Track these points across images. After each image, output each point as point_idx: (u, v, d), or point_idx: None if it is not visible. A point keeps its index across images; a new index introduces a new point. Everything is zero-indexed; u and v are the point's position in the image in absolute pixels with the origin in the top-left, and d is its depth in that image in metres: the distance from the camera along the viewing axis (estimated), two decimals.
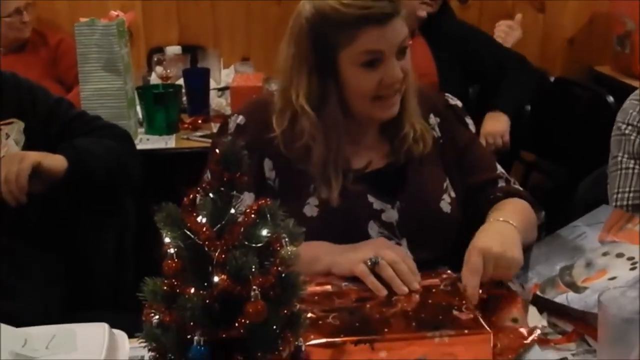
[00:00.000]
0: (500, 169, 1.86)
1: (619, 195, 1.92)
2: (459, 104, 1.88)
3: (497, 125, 3.17)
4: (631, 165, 1.91)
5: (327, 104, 1.68)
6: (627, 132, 1.91)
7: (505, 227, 1.61)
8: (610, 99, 3.27)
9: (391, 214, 1.73)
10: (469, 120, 1.87)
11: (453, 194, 1.78)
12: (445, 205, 1.76)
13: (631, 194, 1.90)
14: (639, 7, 3.80)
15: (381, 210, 1.73)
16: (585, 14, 4.29)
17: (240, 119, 1.77)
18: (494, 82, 3.25)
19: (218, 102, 3.25)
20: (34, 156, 1.89)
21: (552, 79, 3.69)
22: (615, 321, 1.27)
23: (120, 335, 1.47)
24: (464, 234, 1.68)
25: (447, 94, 1.90)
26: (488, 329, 1.38)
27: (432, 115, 1.82)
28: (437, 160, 1.79)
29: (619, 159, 1.93)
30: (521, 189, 1.85)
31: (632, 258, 1.55)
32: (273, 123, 1.72)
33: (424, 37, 3.24)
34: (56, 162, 1.93)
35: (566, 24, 4.30)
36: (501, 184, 1.82)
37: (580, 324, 1.47)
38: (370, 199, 1.72)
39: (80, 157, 1.97)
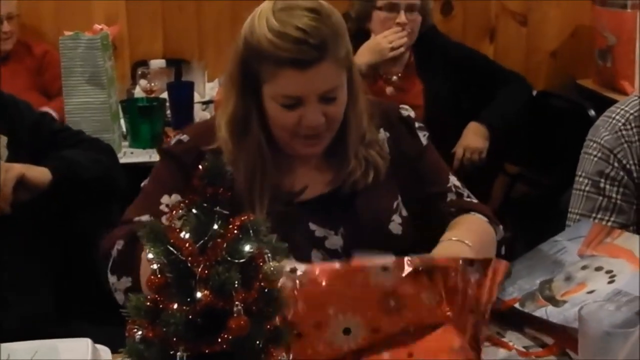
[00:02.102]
0: (452, 181, 1.79)
1: (570, 215, 1.93)
2: (412, 114, 1.81)
3: (478, 142, 3.18)
4: (583, 187, 1.91)
5: (249, 128, 1.64)
6: (590, 150, 1.91)
7: (459, 247, 1.56)
8: (592, 112, 3.29)
9: (335, 241, 1.67)
10: (420, 133, 1.79)
11: (405, 213, 1.72)
12: (395, 226, 1.70)
13: (578, 217, 1.91)
14: (620, 21, 3.83)
15: (324, 237, 1.67)
16: (567, 27, 4.32)
17: (184, 137, 1.73)
18: (488, 97, 3.25)
19: (202, 115, 3.25)
20: (18, 168, 1.91)
21: (535, 92, 3.71)
22: (595, 334, 1.28)
23: (104, 350, 1.47)
24: (415, 252, 1.67)
25: (402, 106, 1.83)
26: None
27: (382, 130, 1.75)
28: (387, 179, 1.72)
29: (577, 177, 1.93)
30: (475, 201, 1.79)
31: (611, 271, 1.56)
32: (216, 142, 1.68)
33: (417, 58, 3.23)
34: (40, 174, 1.95)
35: (549, 37, 4.33)
36: (451, 197, 1.76)
37: (560, 337, 1.47)
38: (312, 227, 1.67)
39: (66, 167, 1.99)
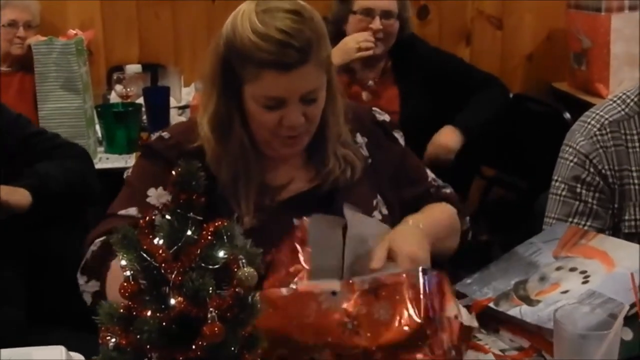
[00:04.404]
0: (430, 175, 1.85)
1: (547, 219, 1.94)
2: (387, 118, 1.84)
3: (448, 141, 3.13)
4: (559, 192, 1.92)
5: (232, 127, 1.64)
6: (566, 155, 1.93)
7: (410, 231, 1.61)
8: (568, 115, 3.31)
9: None
10: (397, 135, 1.83)
11: (385, 211, 1.75)
12: None
13: (554, 221, 1.92)
14: (595, 24, 3.86)
15: None
16: (542, 31, 4.34)
17: (165, 134, 1.74)
18: (463, 101, 3.25)
19: (178, 120, 3.24)
20: (2, 194, 1.91)
21: (511, 95, 3.73)
22: (570, 337, 1.29)
23: (78, 357, 1.46)
24: None
25: (374, 109, 1.86)
26: None
27: (358, 135, 1.78)
28: (365, 179, 1.74)
29: (554, 182, 1.95)
30: (449, 191, 1.84)
31: (585, 272, 1.58)
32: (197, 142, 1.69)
33: (394, 65, 3.23)
34: (22, 197, 1.95)
35: (524, 41, 4.34)
36: (432, 191, 1.83)
37: (536, 339, 1.48)
38: (297, 223, 1.65)
39: (44, 186, 1.99)
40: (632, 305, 1.40)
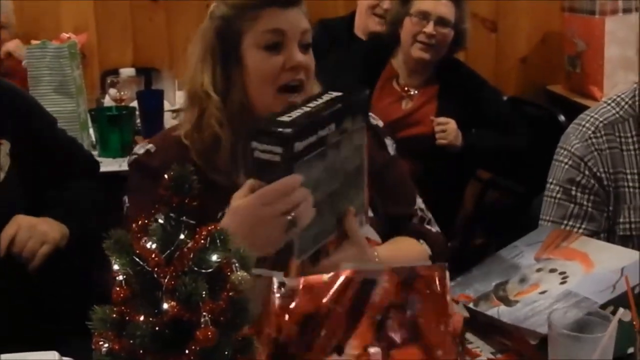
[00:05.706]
0: (419, 203, 1.81)
1: (541, 222, 1.94)
2: (381, 124, 1.85)
3: (458, 138, 3.12)
4: (554, 194, 1.92)
5: (231, 92, 1.67)
6: (560, 157, 1.93)
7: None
8: (562, 118, 3.31)
9: None
10: (388, 142, 1.83)
11: (370, 214, 1.71)
12: None
13: (549, 223, 1.92)
14: (589, 27, 3.86)
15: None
16: (537, 34, 4.35)
17: (150, 146, 1.75)
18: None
19: (172, 123, 3.23)
20: (56, 239, 1.95)
21: (505, 98, 3.73)
22: (564, 339, 1.29)
23: None
24: None
25: (369, 113, 1.84)
26: None
27: None
28: None
29: (548, 184, 1.95)
30: (433, 230, 1.81)
31: (564, 273, 1.59)
32: (183, 139, 1.71)
33: (438, 85, 3.21)
34: (65, 238, 1.98)
35: (518, 44, 4.36)
36: (414, 221, 1.79)
37: (515, 339, 1.48)
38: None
39: (81, 229, 2.02)
40: (606, 305, 1.42)
